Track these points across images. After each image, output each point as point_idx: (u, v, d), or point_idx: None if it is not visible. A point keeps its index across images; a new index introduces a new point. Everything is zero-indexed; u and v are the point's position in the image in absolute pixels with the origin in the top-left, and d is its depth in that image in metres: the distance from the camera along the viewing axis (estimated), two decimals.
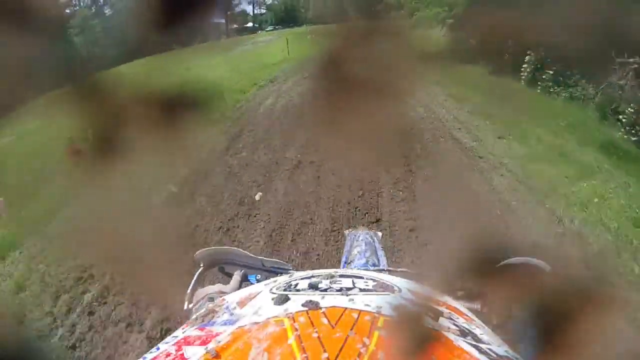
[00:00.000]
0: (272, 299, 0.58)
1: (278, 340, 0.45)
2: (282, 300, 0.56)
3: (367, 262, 1.32)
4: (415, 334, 0.43)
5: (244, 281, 1.05)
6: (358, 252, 1.42)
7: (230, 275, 1.07)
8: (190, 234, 3.39)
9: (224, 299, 0.70)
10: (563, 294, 0.39)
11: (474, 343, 0.50)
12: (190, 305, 0.92)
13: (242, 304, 0.61)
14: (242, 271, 1.06)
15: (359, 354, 0.41)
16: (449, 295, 0.68)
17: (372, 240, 1.54)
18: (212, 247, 1.07)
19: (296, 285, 0.64)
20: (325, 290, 0.60)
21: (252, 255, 1.10)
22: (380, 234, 1.83)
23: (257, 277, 1.07)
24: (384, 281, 0.66)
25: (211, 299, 0.88)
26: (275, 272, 1.07)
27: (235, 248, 1.12)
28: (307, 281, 0.64)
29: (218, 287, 0.97)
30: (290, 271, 1.08)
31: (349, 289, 0.59)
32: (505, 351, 0.52)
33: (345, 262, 1.43)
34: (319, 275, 0.67)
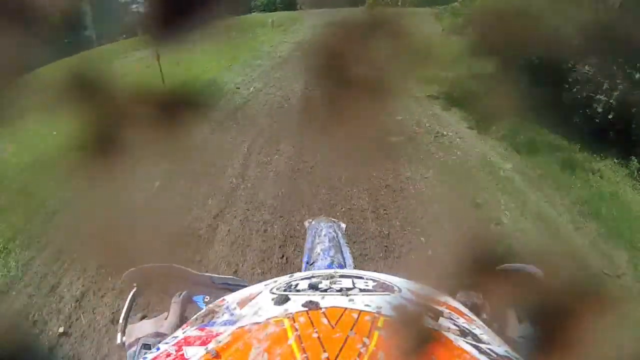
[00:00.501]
0: (272, 299, 0.58)
1: (278, 341, 0.45)
2: (282, 300, 0.56)
3: (332, 262, 1.21)
4: (415, 334, 0.43)
5: (188, 304, 0.85)
6: (321, 249, 1.29)
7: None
8: None
9: (224, 299, 0.70)
10: (560, 297, 0.39)
11: (474, 343, 0.50)
12: (124, 339, 0.77)
13: (242, 304, 0.61)
14: (182, 295, 0.85)
15: (359, 354, 0.41)
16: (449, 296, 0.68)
17: (335, 235, 1.41)
18: (147, 265, 0.85)
19: (296, 285, 0.64)
20: (325, 290, 0.60)
21: (198, 272, 0.92)
22: (344, 225, 1.64)
23: (206, 299, 0.87)
24: (384, 281, 0.66)
25: (147, 347, 0.73)
26: (228, 289, 0.89)
27: (177, 265, 0.88)
28: (307, 281, 0.64)
29: (153, 324, 0.79)
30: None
31: (349, 289, 0.60)
32: (506, 351, 0.52)
33: (307, 263, 1.28)
34: (319, 276, 0.68)
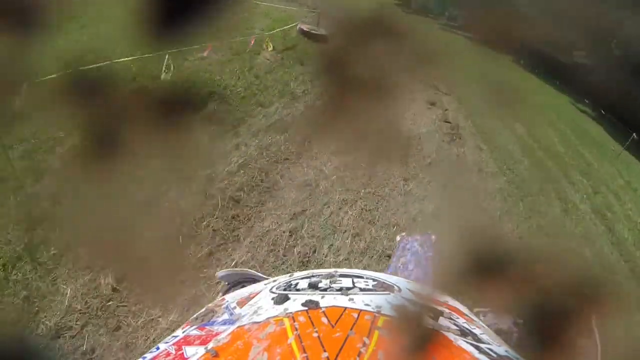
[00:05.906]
0: (272, 299, 0.58)
1: (278, 340, 0.45)
2: (282, 299, 0.56)
3: (409, 275, 1.30)
4: (415, 333, 0.42)
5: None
6: (402, 263, 1.41)
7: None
8: None
9: (224, 299, 0.70)
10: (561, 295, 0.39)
11: (474, 343, 0.50)
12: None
13: (241, 303, 0.61)
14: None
15: (359, 354, 0.41)
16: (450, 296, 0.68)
17: (419, 250, 1.49)
18: (232, 269, 1.10)
19: (296, 284, 0.64)
20: (325, 289, 0.59)
21: (267, 276, 1.06)
22: (433, 237, 1.64)
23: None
24: (384, 280, 0.65)
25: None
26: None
27: (251, 271, 1.11)
28: (307, 280, 0.64)
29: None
30: None
31: (349, 288, 0.59)
32: (506, 351, 0.52)
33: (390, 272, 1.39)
34: (319, 275, 0.67)
